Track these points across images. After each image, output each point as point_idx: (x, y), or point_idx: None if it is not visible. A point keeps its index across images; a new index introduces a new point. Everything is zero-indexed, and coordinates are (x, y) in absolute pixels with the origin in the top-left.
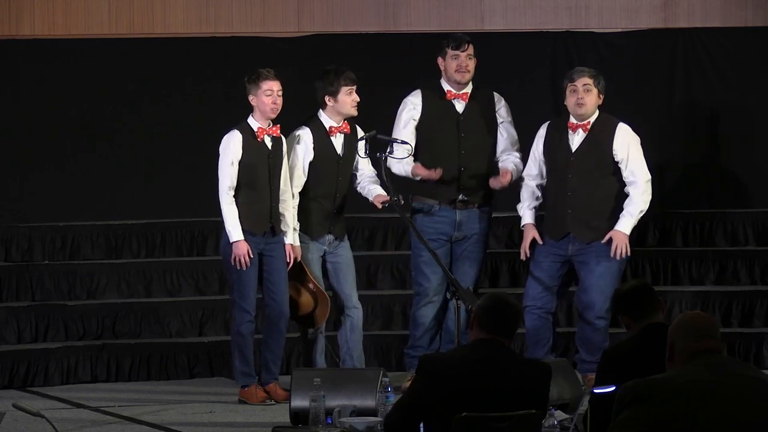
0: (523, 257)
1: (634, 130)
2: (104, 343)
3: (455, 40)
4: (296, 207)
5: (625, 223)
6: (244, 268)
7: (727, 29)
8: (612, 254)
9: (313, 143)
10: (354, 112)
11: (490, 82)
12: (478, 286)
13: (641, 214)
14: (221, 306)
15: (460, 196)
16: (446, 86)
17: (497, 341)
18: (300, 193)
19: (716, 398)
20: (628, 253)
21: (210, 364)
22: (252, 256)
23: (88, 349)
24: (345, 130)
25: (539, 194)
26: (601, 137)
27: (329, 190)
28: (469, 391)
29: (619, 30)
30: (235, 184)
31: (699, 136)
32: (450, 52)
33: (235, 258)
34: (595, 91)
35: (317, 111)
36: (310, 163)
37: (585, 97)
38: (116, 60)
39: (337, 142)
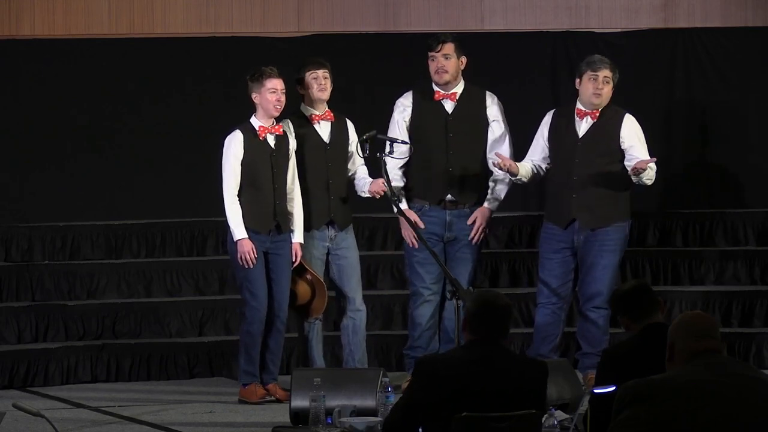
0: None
1: None
2: (104, 343)
3: (434, 41)
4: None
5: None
6: (250, 266)
7: (727, 29)
8: (638, 165)
9: (295, 131)
10: (320, 95)
11: (490, 82)
12: (476, 286)
13: (648, 180)
14: (221, 306)
15: (448, 196)
16: (435, 87)
17: (492, 342)
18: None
19: (716, 398)
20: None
21: (210, 364)
22: (257, 254)
23: (88, 349)
24: (328, 117)
25: (537, 171)
26: (608, 125)
27: (320, 178)
28: (466, 392)
29: (619, 30)
30: (238, 183)
31: (699, 136)
32: (430, 53)
33: (240, 257)
34: (612, 83)
35: (299, 104)
36: (296, 152)
37: (604, 89)
38: (116, 60)
39: (322, 129)
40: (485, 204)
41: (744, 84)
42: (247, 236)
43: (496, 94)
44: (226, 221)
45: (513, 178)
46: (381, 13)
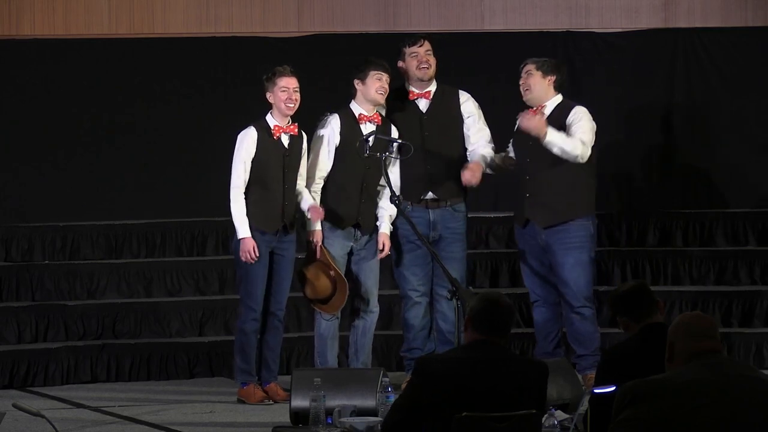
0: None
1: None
2: (104, 343)
3: (411, 38)
4: (316, 194)
5: (553, 131)
6: (251, 264)
7: (727, 29)
8: (523, 116)
9: (341, 128)
10: (380, 99)
11: (490, 82)
12: (475, 286)
13: (567, 146)
14: (221, 306)
15: (429, 194)
16: (409, 87)
17: (492, 341)
18: (326, 180)
19: (716, 398)
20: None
21: (210, 364)
22: (258, 254)
23: (88, 349)
24: (376, 120)
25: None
26: (558, 121)
27: (355, 180)
28: (467, 392)
29: (619, 30)
30: (246, 180)
31: (699, 136)
32: (408, 50)
33: (242, 254)
34: (537, 73)
35: (349, 101)
36: (337, 150)
37: (527, 81)
38: (116, 60)
39: (367, 131)
40: (476, 158)
41: (744, 84)
42: (249, 235)
43: (495, 94)
44: (231, 218)
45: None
46: (381, 13)
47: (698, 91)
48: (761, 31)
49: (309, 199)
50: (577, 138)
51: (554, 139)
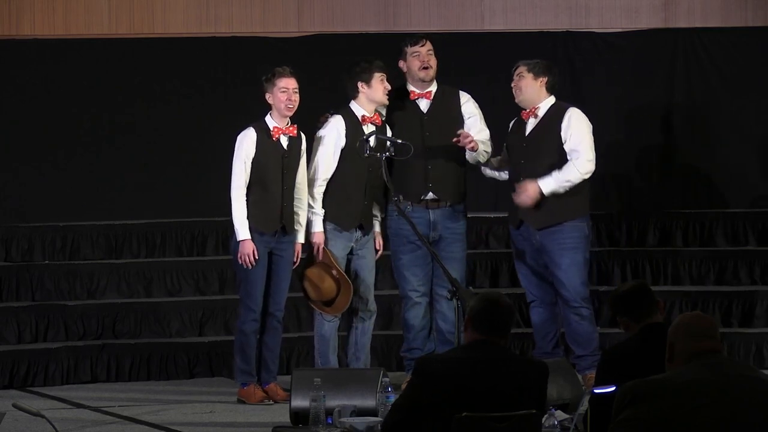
0: None
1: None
2: (104, 343)
3: (413, 37)
4: (320, 195)
5: (546, 181)
6: (249, 267)
7: (727, 29)
8: (516, 198)
9: (346, 130)
10: (386, 100)
11: (490, 82)
12: (475, 286)
13: (567, 184)
14: (221, 306)
15: (430, 194)
16: (410, 87)
17: (492, 341)
18: (329, 181)
19: (716, 398)
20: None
21: (210, 364)
22: (258, 256)
23: (88, 349)
24: (377, 121)
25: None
26: (551, 123)
27: (359, 182)
28: (467, 392)
29: (619, 30)
30: (247, 182)
31: (699, 136)
32: (410, 50)
33: (240, 257)
34: (529, 75)
35: (348, 102)
36: (342, 151)
37: (518, 83)
38: (116, 60)
39: (368, 131)
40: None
41: (744, 84)
42: (249, 237)
43: (495, 94)
44: (231, 219)
45: (474, 155)
46: (381, 13)
47: (698, 91)
48: (761, 31)
49: (301, 237)
50: (571, 164)
51: (552, 188)
